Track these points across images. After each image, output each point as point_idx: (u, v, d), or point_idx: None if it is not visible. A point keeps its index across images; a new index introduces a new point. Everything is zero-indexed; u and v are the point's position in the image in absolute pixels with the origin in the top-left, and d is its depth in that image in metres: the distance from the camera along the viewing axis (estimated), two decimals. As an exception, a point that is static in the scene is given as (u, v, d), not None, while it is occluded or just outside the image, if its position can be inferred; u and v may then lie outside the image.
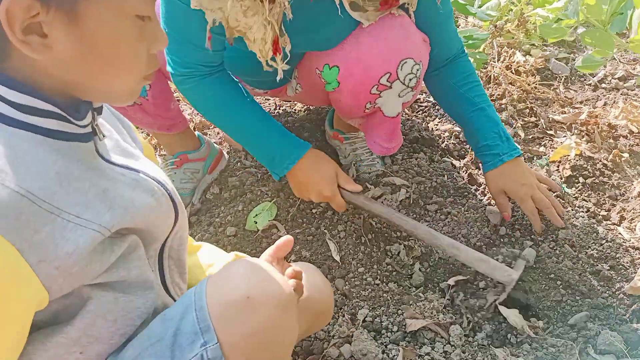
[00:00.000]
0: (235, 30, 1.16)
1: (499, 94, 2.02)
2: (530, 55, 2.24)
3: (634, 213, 1.53)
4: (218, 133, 1.93)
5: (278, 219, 1.50)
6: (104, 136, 0.73)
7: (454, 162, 1.73)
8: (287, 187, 1.54)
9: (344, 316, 1.27)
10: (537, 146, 1.83)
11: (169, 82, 1.55)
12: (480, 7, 2.06)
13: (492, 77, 2.08)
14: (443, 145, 1.81)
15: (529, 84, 2.06)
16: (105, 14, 0.62)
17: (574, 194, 1.61)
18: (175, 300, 0.83)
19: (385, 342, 1.22)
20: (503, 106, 1.97)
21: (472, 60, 1.96)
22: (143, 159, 0.80)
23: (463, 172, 1.69)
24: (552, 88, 2.11)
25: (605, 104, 2.03)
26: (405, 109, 1.88)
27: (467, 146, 1.78)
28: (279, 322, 0.71)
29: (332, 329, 1.24)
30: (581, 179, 1.65)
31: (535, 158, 1.77)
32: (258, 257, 1.44)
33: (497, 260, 1.33)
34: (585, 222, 1.48)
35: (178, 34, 1.23)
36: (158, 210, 0.75)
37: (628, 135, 1.84)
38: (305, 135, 1.79)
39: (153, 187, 0.75)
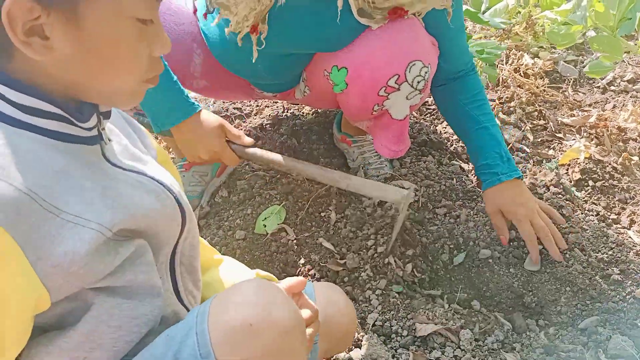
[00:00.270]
0: (216, 3, 1.19)
1: (507, 97, 2.01)
2: (539, 57, 2.23)
3: (644, 217, 1.52)
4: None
5: (287, 222, 1.49)
6: (110, 140, 0.73)
7: (463, 165, 1.73)
8: (296, 191, 1.54)
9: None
10: (546, 149, 1.83)
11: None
12: (488, 9, 2.05)
13: (500, 79, 2.07)
14: (451, 148, 1.80)
15: (537, 87, 2.05)
16: (106, 15, 0.62)
17: (584, 198, 1.61)
18: (188, 309, 0.82)
19: (395, 347, 1.22)
20: (512, 109, 1.96)
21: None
22: (151, 163, 0.80)
23: (472, 175, 1.68)
24: (560, 91, 2.10)
25: (614, 106, 2.02)
26: (413, 112, 1.88)
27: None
28: (283, 346, 0.69)
29: (342, 332, 1.24)
30: (591, 182, 1.64)
31: (544, 161, 1.77)
32: (267, 260, 1.46)
33: None
34: (595, 226, 1.48)
35: None
36: (162, 212, 0.74)
37: (638, 138, 1.83)
38: (313, 138, 1.79)
39: (157, 189, 0.75)
